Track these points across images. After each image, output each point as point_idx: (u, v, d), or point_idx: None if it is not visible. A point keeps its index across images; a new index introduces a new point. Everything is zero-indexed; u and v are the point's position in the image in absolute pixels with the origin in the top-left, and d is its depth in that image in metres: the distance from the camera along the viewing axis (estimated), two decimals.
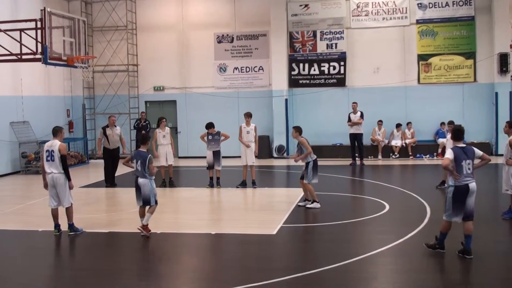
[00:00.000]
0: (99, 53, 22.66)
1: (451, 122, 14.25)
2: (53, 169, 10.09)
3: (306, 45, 22.05)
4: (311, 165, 12.09)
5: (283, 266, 8.32)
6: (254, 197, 14.28)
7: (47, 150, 10.12)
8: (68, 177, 10.16)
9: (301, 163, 12.44)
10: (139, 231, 9.98)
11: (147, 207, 10.05)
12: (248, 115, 15.18)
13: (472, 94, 21.06)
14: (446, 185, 8.57)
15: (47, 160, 10.11)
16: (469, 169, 8.11)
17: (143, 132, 20.83)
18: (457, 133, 8.45)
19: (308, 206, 12.11)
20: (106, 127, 15.69)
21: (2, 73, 18.13)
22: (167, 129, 15.56)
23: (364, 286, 7.47)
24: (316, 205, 12.07)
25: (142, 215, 10.07)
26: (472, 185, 8.13)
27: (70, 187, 10.28)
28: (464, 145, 8.30)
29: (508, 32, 20.38)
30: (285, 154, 11.76)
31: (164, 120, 15.66)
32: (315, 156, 12.23)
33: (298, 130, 12.30)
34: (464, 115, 20.41)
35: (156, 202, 10.07)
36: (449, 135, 13.81)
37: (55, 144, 10.12)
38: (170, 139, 15.52)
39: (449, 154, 8.10)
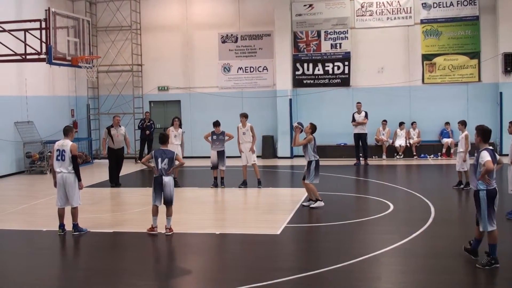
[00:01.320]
0: (103, 53, 22.69)
1: (463, 122, 14.04)
2: (62, 169, 10.10)
3: (310, 45, 22.04)
4: (313, 165, 12.10)
5: (287, 266, 8.33)
6: (258, 197, 14.29)
7: (58, 149, 10.12)
8: (78, 177, 10.19)
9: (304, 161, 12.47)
10: (152, 232, 10.06)
11: (159, 207, 10.09)
12: (243, 116, 15.16)
13: (477, 94, 21.01)
14: (471, 187, 8.34)
15: (57, 159, 10.12)
16: (495, 172, 7.99)
17: (147, 132, 20.95)
18: (488, 133, 8.05)
19: (312, 206, 12.10)
20: (110, 127, 15.72)
21: (7, 73, 18.18)
22: (180, 130, 15.61)
23: (368, 286, 7.46)
24: (319, 203, 12.07)
25: (155, 213, 10.10)
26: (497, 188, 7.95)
27: (80, 187, 10.31)
28: (492, 148, 8.08)
29: None
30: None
31: (176, 119, 15.78)
32: (318, 157, 12.24)
33: (312, 127, 12.34)
34: (469, 115, 20.31)
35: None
36: (462, 134, 13.76)
37: (67, 144, 10.12)
38: (182, 140, 15.55)
39: (488, 156, 7.71)
